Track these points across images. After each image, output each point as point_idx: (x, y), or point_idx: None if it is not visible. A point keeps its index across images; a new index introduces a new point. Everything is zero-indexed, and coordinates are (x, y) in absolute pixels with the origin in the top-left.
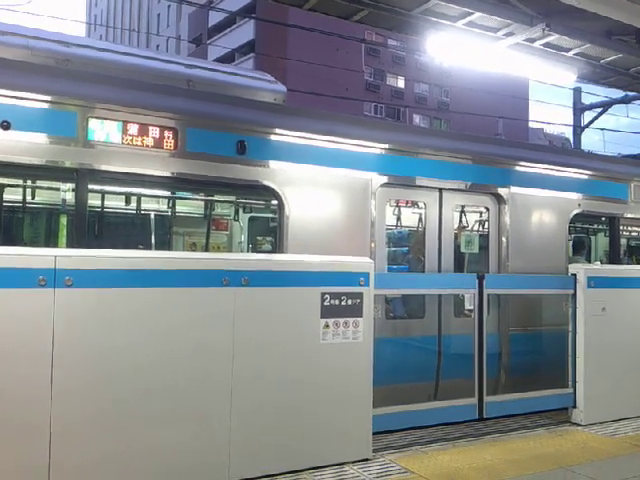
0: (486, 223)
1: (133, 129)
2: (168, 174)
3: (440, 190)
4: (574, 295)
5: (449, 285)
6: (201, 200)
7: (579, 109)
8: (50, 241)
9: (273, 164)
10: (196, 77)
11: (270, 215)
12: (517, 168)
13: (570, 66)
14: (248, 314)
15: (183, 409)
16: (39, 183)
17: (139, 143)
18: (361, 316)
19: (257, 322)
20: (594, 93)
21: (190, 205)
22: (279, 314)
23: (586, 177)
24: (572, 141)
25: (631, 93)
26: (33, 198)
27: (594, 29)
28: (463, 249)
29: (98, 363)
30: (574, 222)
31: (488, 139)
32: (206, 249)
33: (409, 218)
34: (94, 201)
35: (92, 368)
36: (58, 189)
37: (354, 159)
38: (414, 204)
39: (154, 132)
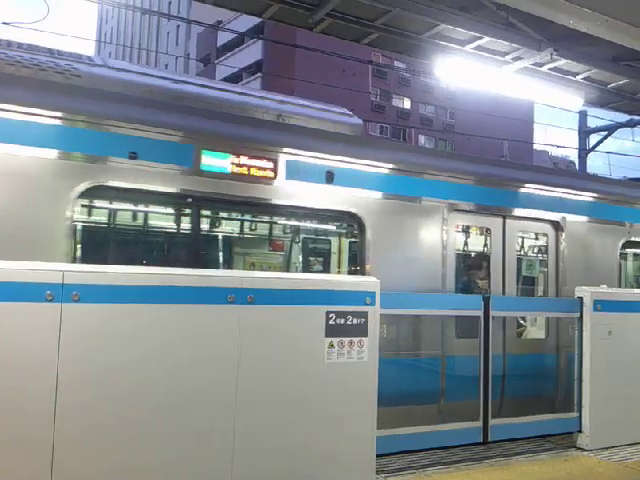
0: (544, 248)
1: (241, 160)
2: (269, 201)
3: (504, 217)
4: (580, 318)
5: (455, 306)
6: (293, 224)
7: (584, 132)
8: (166, 262)
9: (357, 192)
10: (286, 111)
11: (352, 239)
12: (574, 198)
13: (577, 90)
14: (253, 332)
15: (187, 426)
16: (159, 208)
17: (245, 172)
18: (366, 335)
19: (262, 340)
20: (599, 117)
21: (283, 228)
22: (284, 332)
23: (635, 206)
24: (577, 164)
25: (636, 117)
26: (153, 221)
27: (602, 54)
28: (524, 273)
29: (102, 378)
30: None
31: (550, 170)
32: (305, 270)
33: (475, 243)
34: (205, 225)
35: (96, 383)
36: (176, 213)
37: (429, 188)
38: (481, 229)
39: (258, 163)
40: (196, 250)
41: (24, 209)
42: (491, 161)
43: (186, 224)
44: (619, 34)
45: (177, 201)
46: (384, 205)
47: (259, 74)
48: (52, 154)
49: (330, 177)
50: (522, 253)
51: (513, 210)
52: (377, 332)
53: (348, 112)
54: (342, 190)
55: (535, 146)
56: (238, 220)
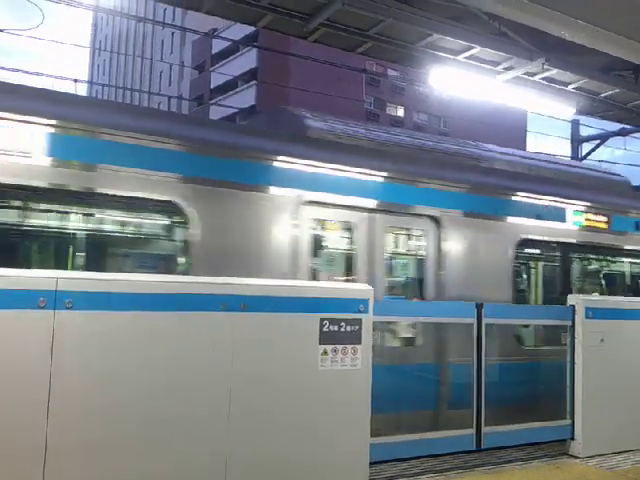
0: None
1: (592, 217)
2: (604, 245)
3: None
4: (572, 326)
5: (447, 313)
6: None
7: (577, 141)
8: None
9: None
10: (605, 180)
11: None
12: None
13: (569, 100)
14: (246, 339)
15: (180, 435)
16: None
17: (595, 225)
18: (360, 343)
19: (255, 347)
20: (591, 125)
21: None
22: (278, 340)
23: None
24: None
25: (628, 126)
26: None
27: (593, 64)
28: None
29: (96, 387)
30: None
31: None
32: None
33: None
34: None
35: (90, 392)
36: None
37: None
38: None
39: (600, 218)
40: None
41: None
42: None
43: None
44: (610, 44)
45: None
46: None
47: (254, 82)
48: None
49: (637, 226)
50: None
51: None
52: (370, 339)
53: (616, 172)
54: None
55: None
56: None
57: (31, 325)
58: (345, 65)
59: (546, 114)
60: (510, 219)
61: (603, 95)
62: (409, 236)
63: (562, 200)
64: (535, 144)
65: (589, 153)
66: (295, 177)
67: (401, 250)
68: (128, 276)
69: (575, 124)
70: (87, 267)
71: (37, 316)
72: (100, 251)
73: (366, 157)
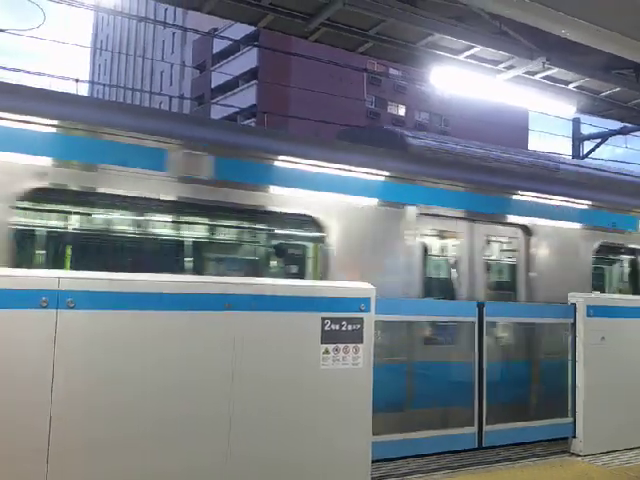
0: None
1: None
2: None
3: None
4: (574, 324)
5: (449, 312)
6: None
7: (578, 139)
8: None
9: None
10: None
11: None
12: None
13: (570, 99)
14: (248, 338)
15: (182, 432)
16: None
17: None
18: (361, 342)
19: (258, 346)
20: (592, 124)
21: None
22: (279, 339)
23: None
24: None
25: (629, 125)
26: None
27: (594, 63)
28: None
29: (99, 387)
30: None
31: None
32: None
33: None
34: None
35: (93, 392)
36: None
37: None
38: None
39: None
40: None
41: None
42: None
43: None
44: (610, 43)
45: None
46: None
47: (254, 81)
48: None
49: None
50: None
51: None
52: (372, 338)
53: None
54: None
55: None
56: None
57: (33, 325)
58: (346, 64)
59: (547, 113)
60: (589, 227)
61: (604, 94)
62: (504, 243)
63: (634, 210)
64: (537, 143)
65: (591, 152)
66: (413, 192)
67: (497, 256)
68: (130, 275)
69: (576, 123)
70: (252, 273)
71: (39, 316)
72: (263, 258)
73: (463, 171)
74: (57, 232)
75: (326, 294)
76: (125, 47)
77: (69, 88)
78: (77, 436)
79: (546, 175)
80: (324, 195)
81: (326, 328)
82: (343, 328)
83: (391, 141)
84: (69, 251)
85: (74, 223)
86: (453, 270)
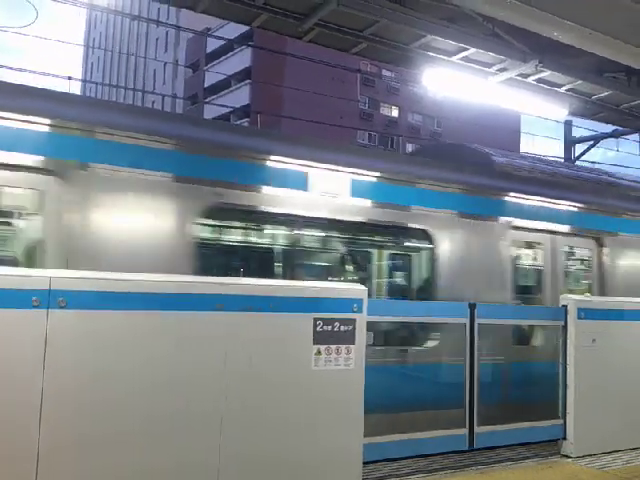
0: None
1: None
2: None
3: None
4: (565, 326)
5: (440, 313)
6: None
7: (570, 142)
8: None
9: None
10: None
11: None
12: None
13: (562, 101)
14: (240, 338)
15: (173, 431)
16: None
17: None
18: (353, 343)
19: (250, 346)
20: (584, 127)
21: None
22: (272, 339)
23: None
24: None
25: (620, 128)
26: None
27: (586, 66)
28: None
29: (89, 386)
30: None
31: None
32: None
33: None
34: None
35: (83, 391)
36: None
37: None
38: None
39: None
40: None
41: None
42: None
43: None
44: (602, 46)
45: None
46: None
47: (248, 81)
48: None
49: None
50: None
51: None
52: (364, 339)
53: None
54: None
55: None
56: None
57: (24, 324)
58: (340, 65)
59: (539, 116)
60: None
61: (596, 97)
62: (578, 253)
63: None
64: (528, 145)
65: (582, 154)
66: (505, 207)
67: (573, 264)
68: (122, 275)
69: (568, 125)
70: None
71: (30, 315)
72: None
73: (545, 187)
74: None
75: (318, 295)
76: (118, 45)
77: (61, 86)
78: (68, 434)
79: (612, 191)
80: (436, 211)
81: (318, 329)
82: (335, 329)
83: (478, 159)
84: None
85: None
86: (538, 277)
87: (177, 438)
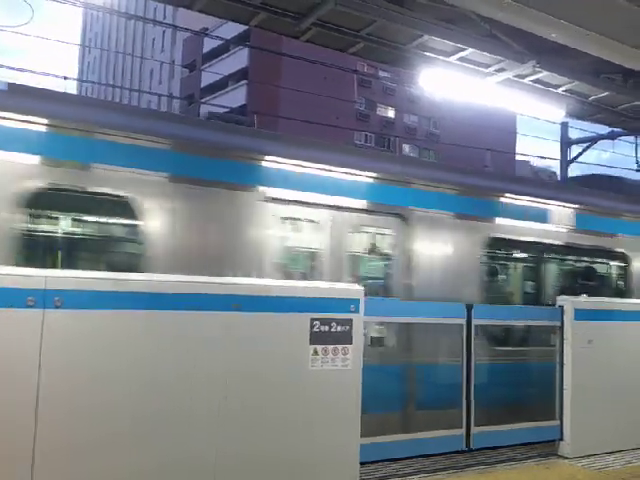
0: None
1: None
2: None
3: None
4: (561, 327)
5: (437, 314)
6: None
7: (566, 143)
8: None
9: None
10: None
11: None
12: None
13: (559, 102)
14: (238, 339)
15: (170, 434)
16: None
17: None
18: (350, 343)
19: (247, 346)
20: (581, 128)
21: None
22: (268, 339)
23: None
24: (559, 174)
25: (617, 129)
26: None
27: (583, 67)
28: None
29: (85, 386)
30: None
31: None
32: None
33: None
34: None
35: (79, 391)
36: None
37: None
38: None
39: None
40: None
41: None
42: None
43: None
44: (599, 47)
45: None
46: None
47: (244, 81)
48: None
49: None
50: None
51: None
52: (361, 340)
53: None
54: None
55: (518, 156)
56: None
57: (20, 324)
58: (336, 65)
59: (536, 116)
60: None
61: (593, 98)
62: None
63: None
64: (524, 146)
65: (578, 155)
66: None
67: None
68: (117, 275)
69: (565, 126)
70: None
71: (26, 315)
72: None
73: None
74: None
75: (315, 295)
76: (114, 45)
77: (57, 86)
78: (64, 435)
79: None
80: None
81: (315, 329)
82: (332, 329)
83: (614, 185)
84: None
85: None
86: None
87: (174, 438)
